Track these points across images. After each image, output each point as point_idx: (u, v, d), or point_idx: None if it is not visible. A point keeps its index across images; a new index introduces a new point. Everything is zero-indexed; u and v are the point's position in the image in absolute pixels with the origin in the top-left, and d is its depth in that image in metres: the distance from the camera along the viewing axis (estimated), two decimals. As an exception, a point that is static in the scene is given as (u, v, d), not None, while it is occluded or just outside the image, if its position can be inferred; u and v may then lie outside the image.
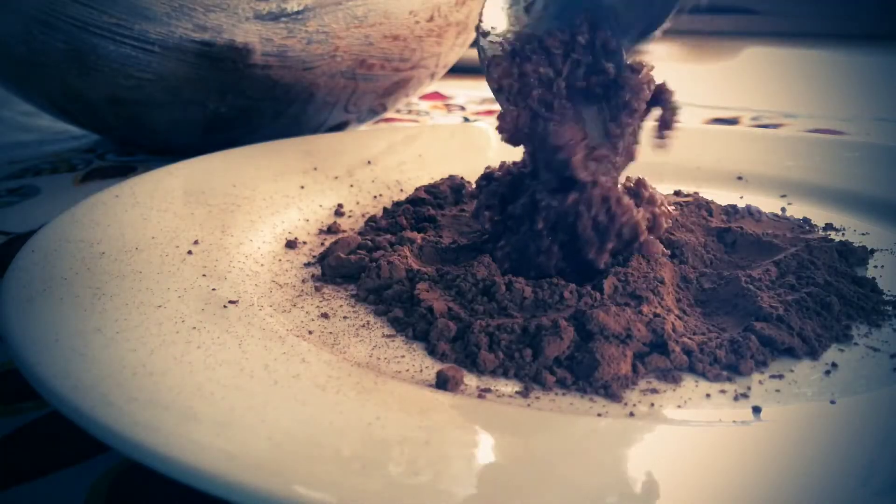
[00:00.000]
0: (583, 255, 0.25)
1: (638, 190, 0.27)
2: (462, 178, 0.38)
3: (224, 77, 0.42)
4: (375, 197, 0.38)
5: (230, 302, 0.24)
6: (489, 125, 0.47)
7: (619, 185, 0.26)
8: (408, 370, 0.21)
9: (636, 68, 0.26)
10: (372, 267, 0.27)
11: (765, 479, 0.15)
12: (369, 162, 0.41)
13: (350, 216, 0.35)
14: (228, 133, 0.47)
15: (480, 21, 0.28)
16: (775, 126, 0.59)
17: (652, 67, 0.26)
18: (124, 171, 0.47)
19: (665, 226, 0.27)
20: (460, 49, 0.53)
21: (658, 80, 0.27)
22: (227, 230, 0.30)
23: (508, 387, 0.21)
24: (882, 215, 0.34)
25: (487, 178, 0.28)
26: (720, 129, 0.47)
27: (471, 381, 0.21)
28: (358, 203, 0.37)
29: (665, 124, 0.27)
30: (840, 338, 0.23)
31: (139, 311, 0.22)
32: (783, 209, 0.35)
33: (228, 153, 0.39)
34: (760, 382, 0.21)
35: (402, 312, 0.24)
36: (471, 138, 0.46)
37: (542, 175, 0.26)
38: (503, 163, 0.28)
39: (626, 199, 0.25)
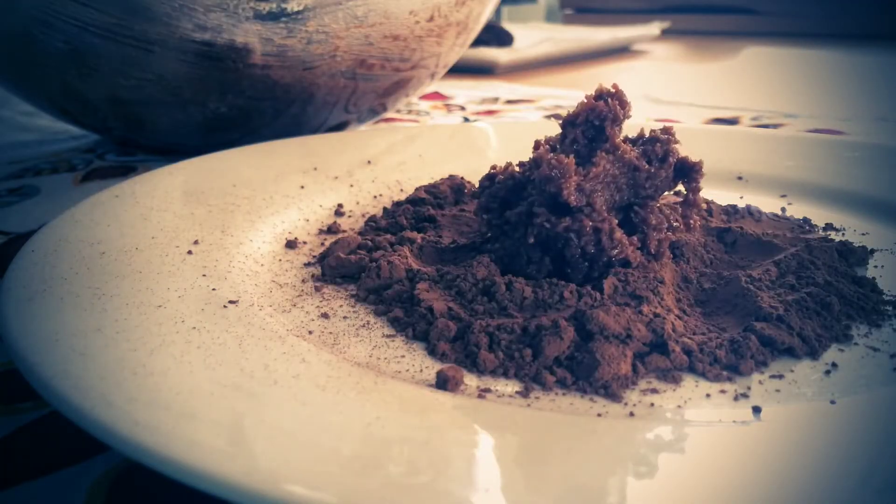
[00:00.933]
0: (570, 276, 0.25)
1: (643, 216, 0.26)
2: (462, 178, 0.37)
3: (224, 77, 0.42)
4: (375, 197, 0.38)
5: (230, 302, 0.24)
6: (489, 125, 0.47)
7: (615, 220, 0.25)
8: (408, 370, 0.21)
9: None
10: (372, 267, 0.27)
11: (765, 479, 0.15)
12: (369, 162, 0.41)
13: (350, 216, 0.35)
14: (228, 133, 0.47)
15: None
16: (775, 126, 0.59)
17: (677, 141, 0.26)
18: (124, 171, 0.47)
19: (668, 254, 0.27)
20: (460, 49, 0.53)
21: (683, 152, 0.26)
22: (227, 230, 0.30)
23: (508, 387, 0.21)
24: (882, 215, 0.34)
25: (490, 178, 0.28)
26: (720, 129, 0.47)
27: (471, 381, 0.21)
28: (358, 203, 0.37)
29: (689, 204, 0.27)
30: (840, 338, 0.23)
31: (139, 311, 0.22)
32: (783, 209, 0.35)
33: (228, 153, 0.39)
34: (760, 382, 0.21)
35: (402, 312, 0.24)
36: (471, 138, 0.46)
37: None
38: (508, 164, 0.28)
39: (619, 234, 0.25)
